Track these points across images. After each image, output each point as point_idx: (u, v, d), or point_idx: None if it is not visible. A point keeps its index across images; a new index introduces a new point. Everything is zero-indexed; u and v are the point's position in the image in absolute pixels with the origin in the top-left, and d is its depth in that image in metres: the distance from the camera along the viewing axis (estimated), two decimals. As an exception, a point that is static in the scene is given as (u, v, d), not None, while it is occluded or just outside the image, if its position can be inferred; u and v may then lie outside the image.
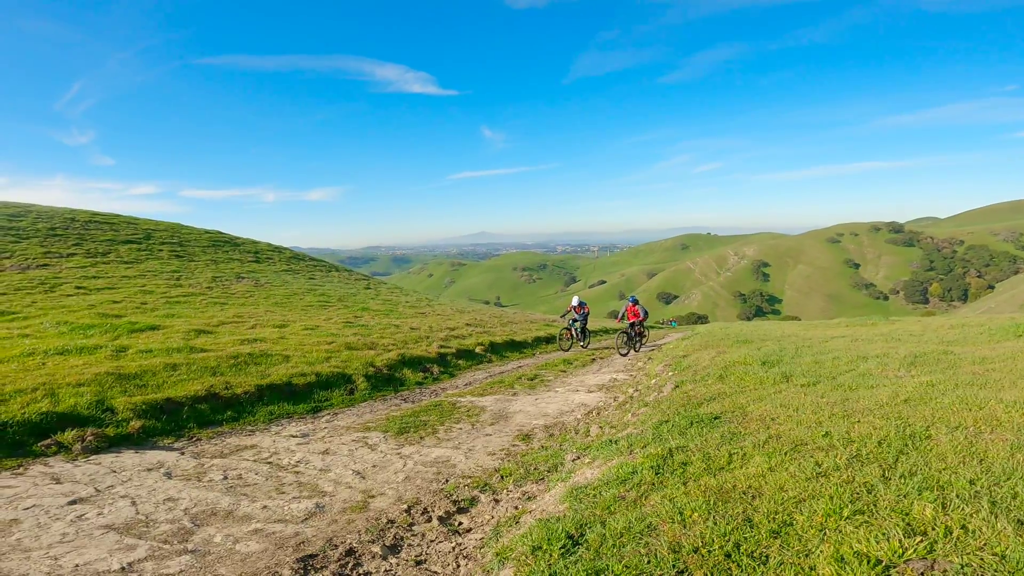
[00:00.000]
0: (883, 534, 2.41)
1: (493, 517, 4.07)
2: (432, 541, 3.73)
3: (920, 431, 3.80)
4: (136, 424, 5.91)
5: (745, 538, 2.58)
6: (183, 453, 5.50)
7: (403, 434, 6.31)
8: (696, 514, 2.86)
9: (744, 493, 3.07)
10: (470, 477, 4.95)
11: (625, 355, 14.15)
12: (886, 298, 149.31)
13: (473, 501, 4.38)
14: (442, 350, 11.65)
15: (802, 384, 6.02)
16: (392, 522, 3.97)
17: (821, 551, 2.36)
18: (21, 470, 4.83)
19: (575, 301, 16.29)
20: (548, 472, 4.91)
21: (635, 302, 15.51)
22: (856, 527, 2.51)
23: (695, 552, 2.52)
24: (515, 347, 14.50)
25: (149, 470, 4.98)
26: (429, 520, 4.03)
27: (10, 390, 6.12)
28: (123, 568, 3.25)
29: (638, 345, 15.47)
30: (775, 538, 2.55)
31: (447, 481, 4.84)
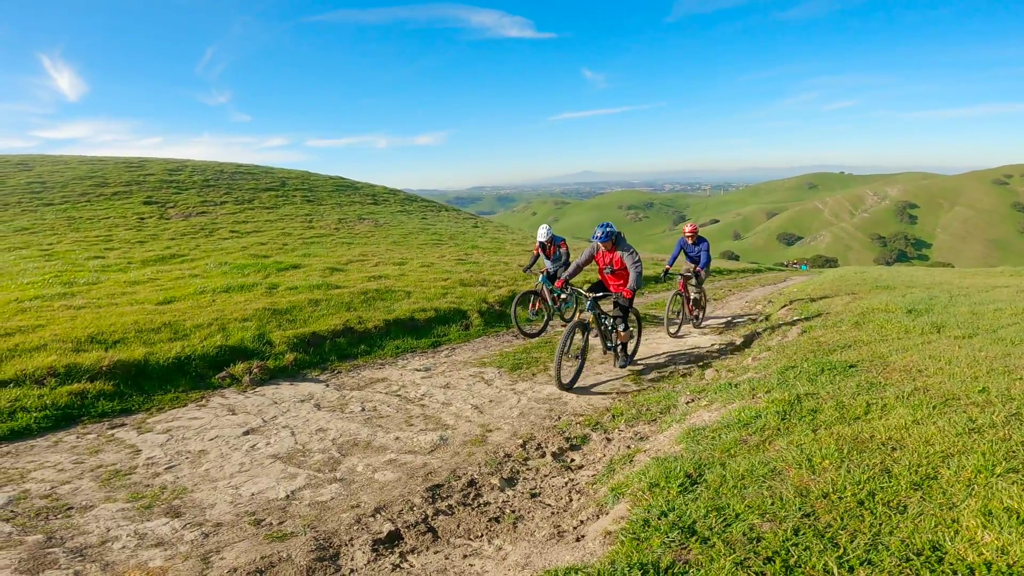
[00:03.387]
0: (1037, 491, 2.21)
1: (605, 455, 4.19)
2: (546, 476, 3.92)
3: (1090, 391, 3.33)
4: (290, 357, 6.56)
5: (881, 487, 2.47)
6: (328, 385, 6.05)
7: (516, 370, 6.59)
8: (827, 461, 2.77)
9: (883, 444, 2.90)
10: (581, 415, 5.11)
11: (567, 386, 5.79)
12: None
13: (585, 439, 4.53)
14: (549, 288, 11.84)
15: (956, 336, 5.39)
16: (508, 456, 4.21)
17: (967, 504, 2.23)
18: (204, 402, 5.44)
19: (543, 233, 8.95)
20: (661, 413, 4.92)
21: (614, 238, 6.45)
22: (1008, 484, 2.32)
23: (824, 497, 2.46)
24: (623, 288, 14.33)
25: (302, 401, 5.49)
26: (543, 455, 4.24)
27: (190, 326, 6.96)
28: (287, 496, 3.62)
29: (621, 357, 6.58)
30: (916, 490, 2.42)
31: (559, 418, 5.03)
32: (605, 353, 6.59)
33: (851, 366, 4.57)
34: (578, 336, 6.06)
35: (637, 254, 6.39)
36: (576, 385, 5.94)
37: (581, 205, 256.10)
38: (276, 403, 5.44)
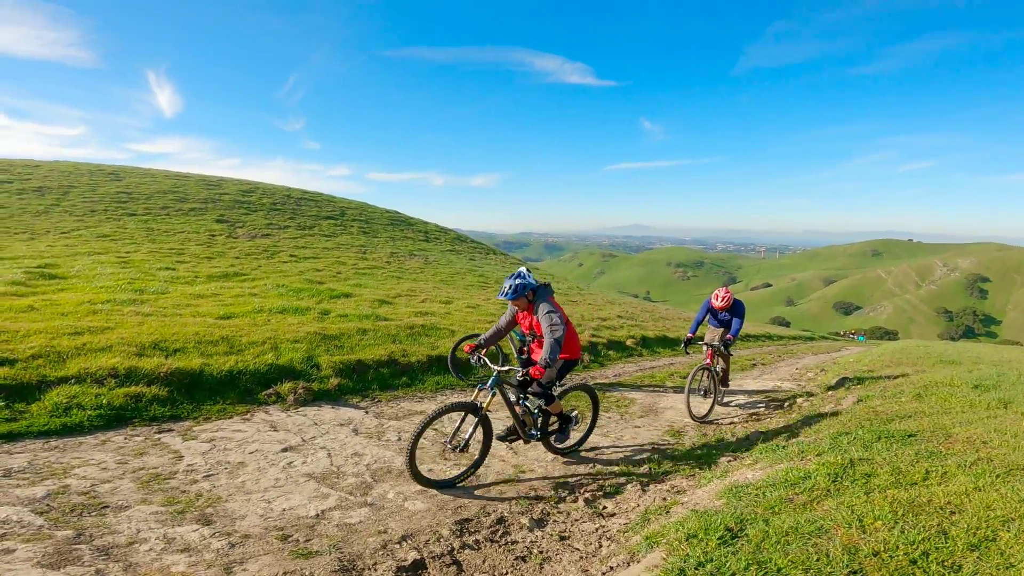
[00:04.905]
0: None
1: (639, 505, 4.10)
2: (577, 520, 3.87)
3: None
4: (334, 381, 6.72)
5: (936, 548, 2.35)
6: (367, 412, 6.14)
7: (554, 415, 6.52)
8: (879, 522, 2.63)
9: (941, 508, 2.75)
10: (617, 465, 5.01)
11: (439, 484, 4.29)
12: None
13: (619, 488, 4.44)
14: (593, 339, 11.73)
15: (1025, 412, 5.05)
16: (540, 498, 4.18)
17: (1025, 564, 2.10)
18: (248, 416, 5.60)
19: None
20: (699, 469, 4.79)
21: (529, 294, 4.59)
22: (1069, 546, 2.18)
23: (874, 555, 2.34)
24: (667, 343, 14.02)
25: (342, 425, 5.60)
26: (575, 500, 4.18)
27: (245, 342, 7.25)
28: (317, 515, 3.67)
29: (544, 442, 5.05)
30: (972, 551, 2.30)
31: (594, 466, 4.96)
32: (527, 443, 5.09)
33: (910, 435, 4.33)
34: (467, 425, 4.54)
35: (556, 314, 4.50)
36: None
37: (629, 259, 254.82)
38: (316, 424, 5.55)
